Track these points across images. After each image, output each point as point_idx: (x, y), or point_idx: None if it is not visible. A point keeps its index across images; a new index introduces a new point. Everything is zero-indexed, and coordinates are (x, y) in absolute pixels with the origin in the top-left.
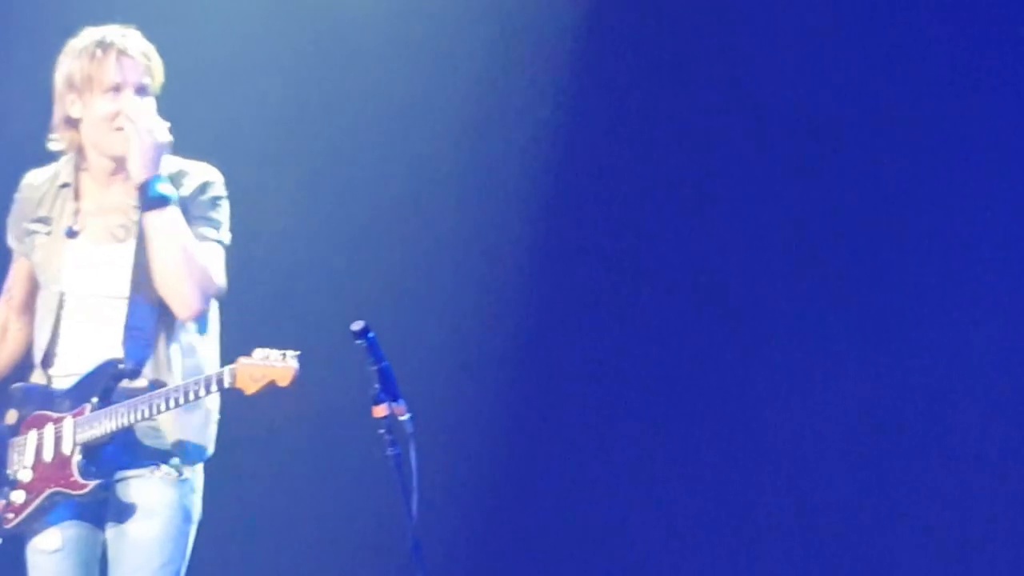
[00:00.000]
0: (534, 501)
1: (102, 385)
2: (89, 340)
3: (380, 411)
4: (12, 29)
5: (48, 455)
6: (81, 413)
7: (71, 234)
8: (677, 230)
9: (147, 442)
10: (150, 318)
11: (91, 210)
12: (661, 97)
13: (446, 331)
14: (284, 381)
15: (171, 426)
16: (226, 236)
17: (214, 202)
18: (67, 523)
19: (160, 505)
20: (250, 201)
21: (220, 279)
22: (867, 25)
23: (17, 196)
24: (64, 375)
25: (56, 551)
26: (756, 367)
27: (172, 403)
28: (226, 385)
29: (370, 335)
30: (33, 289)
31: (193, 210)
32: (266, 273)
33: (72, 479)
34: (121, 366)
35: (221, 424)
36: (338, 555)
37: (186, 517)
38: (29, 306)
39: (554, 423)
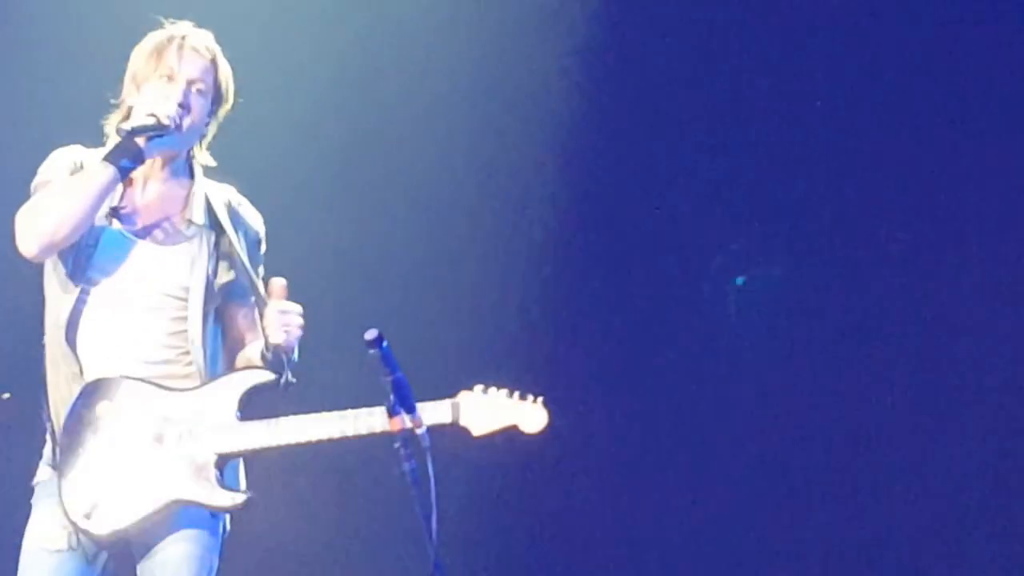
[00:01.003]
0: (557, 514)
1: (243, 392)
2: (118, 335)
3: (395, 424)
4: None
5: (172, 459)
6: (222, 420)
7: (115, 216)
8: (698, 229)
9: None
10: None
11: (133, 200)
12: (680, 97)
13: (462, 341)
14: (533, 428)
15: None
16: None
17: (261, 259)
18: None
19: (184, 519)
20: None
21: None
22: (896, 25)
23: (58, 153)
24: (95, 370)
25: (59, 552)
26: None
27: (365, 429)
28: (446, 421)
29: (384, 344)
30: None
31: (250, 266)
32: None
33: (210, 489)
34: (270, 376)
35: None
36: (356, 569)
37: (213, 532)
38: None
39: (577, 432)
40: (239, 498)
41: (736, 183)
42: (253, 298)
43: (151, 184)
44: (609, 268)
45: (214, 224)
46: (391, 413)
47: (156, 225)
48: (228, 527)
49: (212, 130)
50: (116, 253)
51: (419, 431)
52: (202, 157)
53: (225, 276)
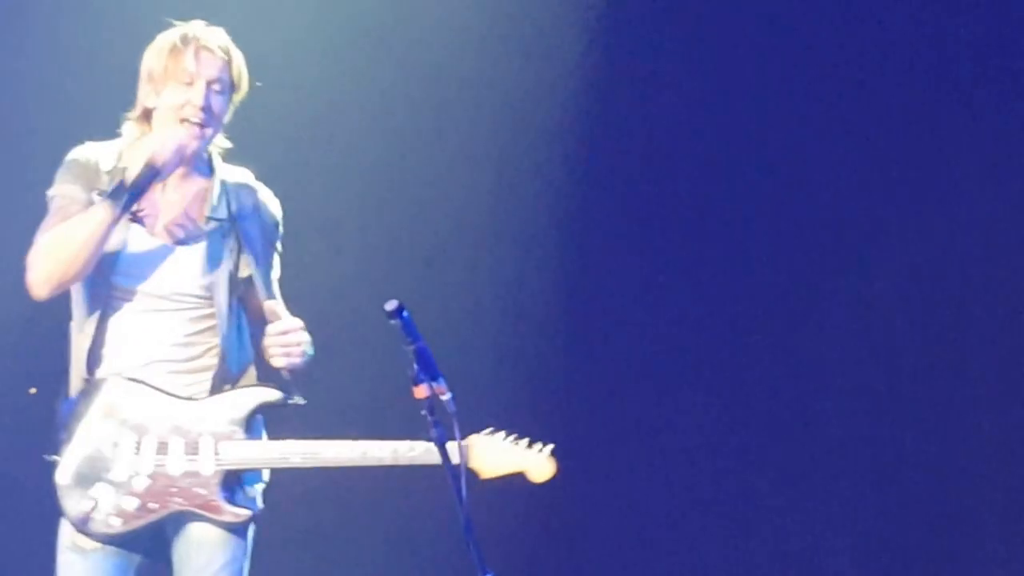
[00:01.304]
0: (582, 481)
1: (251, 409)
2: (137, 337)
3: (420, 392)
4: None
5: (176, 469)
6: (228, 436)
7: (132, 218)
8: (710, 223)
9: None
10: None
11: (150, 199)
12: (689, 93)
13: (482, 316)
14: (540, 477)
15: None
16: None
17: (279, 239)
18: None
19: (215, 514)
20: (286, 196)
21: None
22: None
23: (74, 159)
24: (110, 374)
25: (95, 550)
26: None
27: (372, 460)
28: (454, 461)
29: (404, 314)
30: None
31: (265, 252)
32: (300, 267)
33: (214, 503)
34: (278, 395)
35: (270, 425)
36: (389, 538)
37: (251, 528)
38: None
39: (600, 404)
40: (242, 514)
41: (761, 180)
42: (274, 288)
43: (171, 183)
44: (628, 252)
45: (233, 217)
46: (415, 381)
47: (176, 223)
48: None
49: (227, 116)
50: (137, 255)
51: (444, 398)
52: (218, 140)
53: (248, 269)
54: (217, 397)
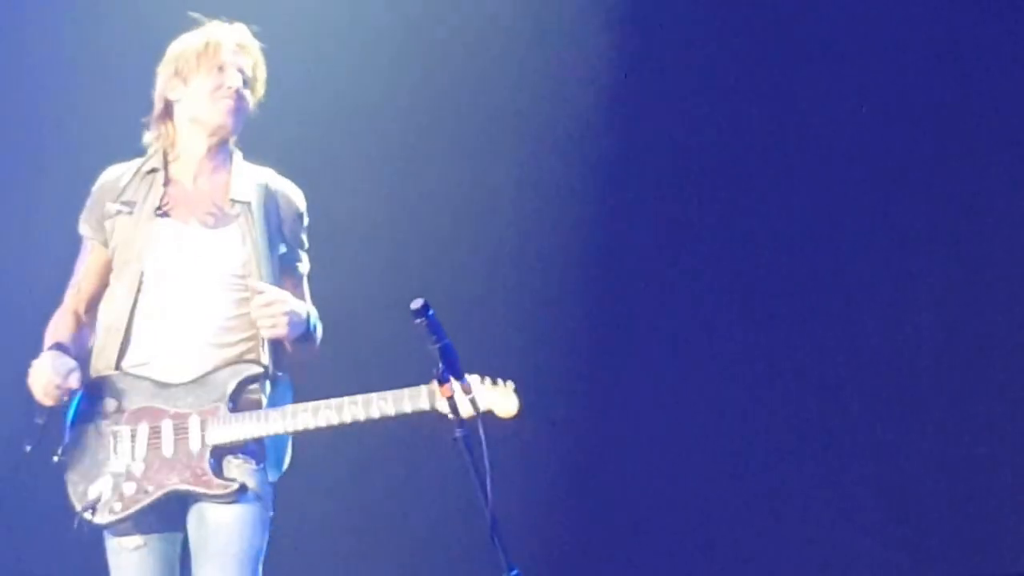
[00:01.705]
0: (609, 477)
1: (235, 384)
2: (168, 325)
3: (445, 391)
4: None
5: (168, 450)
6: (212, 412)
7: (161, 213)
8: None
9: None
10: None
11: (179, 196)
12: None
13: (510, 312)
14: (507, 413)
15: None
16: (307, 259)
17: (304, 231)
18: (144, 520)
19: (228, 501)
20: (316, 193)
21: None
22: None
23: (96, 187)
24: (141, 363)
25: (138, 548)
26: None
27: (348, 417)
28: (425, 407)
29: (430, 313)
30: (102, 285)
31: (290, 238)
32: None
33: (205, 478)
34: (262, 369)
35: None
36: (416, 540)
37: (264, 505)
38: (95, 303)
39: (629, 397)
40: (231, 486)
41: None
42: (301, 269)
43: (202, 174)
44: (654, 250)
45: (260, 200)
46: (441, 381)
47: (207, 212)
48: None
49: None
50: (167, 246)
51: (469, 397)
52: (238, 155)
53: (280, 248)
54: (204, 377)
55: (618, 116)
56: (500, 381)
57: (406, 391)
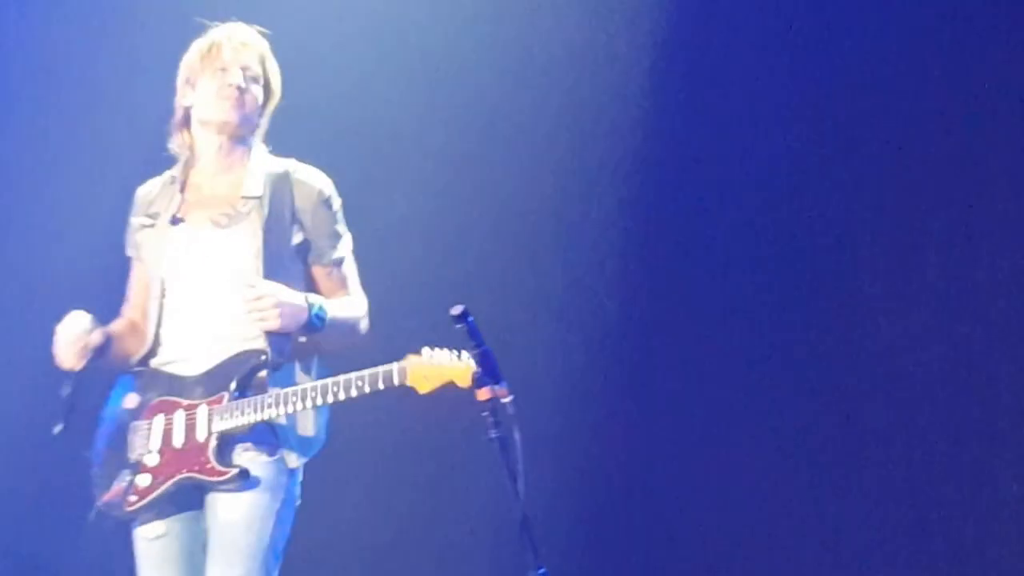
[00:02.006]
0: (640, 481)
1: (240, 374)
2: (186, 324)
3: (483, 394)
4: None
5: (179, 441)
6: (218, 401)
7: (174, 222)
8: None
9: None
10: None
11: (195, 200)
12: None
13: (547, 315)
14: (464, 382)
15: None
16: (348, 243)
17: (336, 216)
18: (166, 510)
19: (240, 492)
20: (358, 196)
21: (361, 296)
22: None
23: (133, 207)
24: (167, 362)
25: (159, 537)
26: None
27: (331, 398)
28: (396, 383)
29: (469, 319)
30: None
31: (311, 225)
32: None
33: (209, 466)
34: (264, 357)
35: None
36: (446, 536)
37: (276, 497)
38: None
39: (658, 401)
40: (230, 472)
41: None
42: (333, 255)
43: (211, 178)
44: (693, 251)
45: (272, 192)
46: (478, 384)
47: (220, 212)
48: (299, 497)
49: (265, 124)
50: (179, 251)
51: (505, 400)
52: (259, 150)
53: (297, 238)
54: (214, 369)
55: (657, 122)
56: (463, 352)
57: (380, 369)
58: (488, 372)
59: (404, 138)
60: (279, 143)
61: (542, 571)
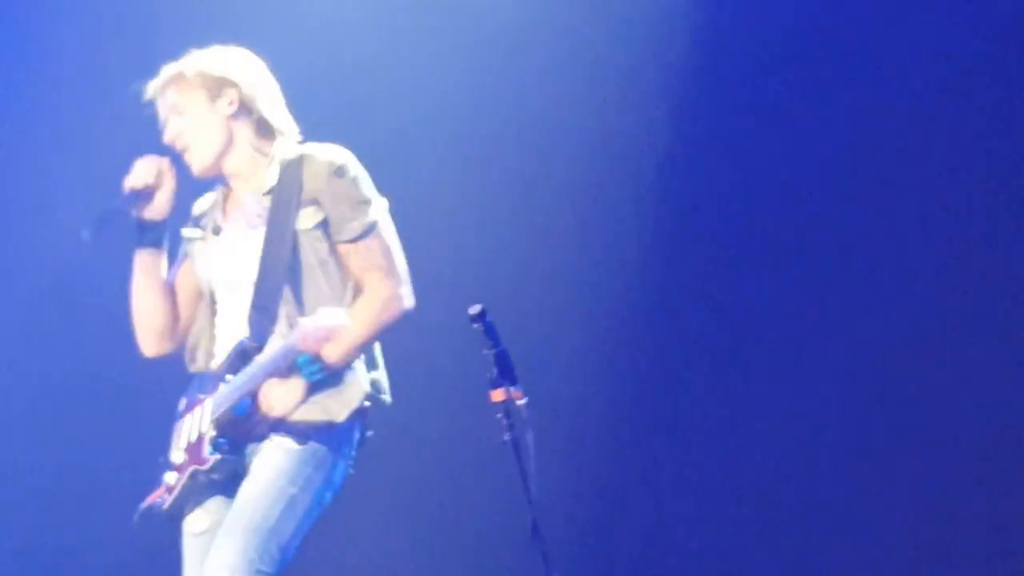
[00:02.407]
0: (656, 488)
1: (235, 364)
2: (226, 323)
3: (498, 395)
4: None
5: (193, 436)
6: (215, 391)
7: (216, 231)
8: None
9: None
10: (276, 299)
11: (233, 207)
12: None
13: (564, 318)
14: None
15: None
16: (377, 209)
17: (355, 184)
18: (213, 505)
19: (262, 468)
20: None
21: (392, 269)
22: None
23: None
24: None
25: (202, 533)
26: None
27: (264, 373)
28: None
29: (487, 319)
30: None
31: (326, 198)
32: None
33: (203, 456)
34: (255, 344)
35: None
36: (458, 537)
37: (293, 482)
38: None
39: (673, 405)
40: (210, 460)
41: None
42: (355, 229)
43: (243, 183)
44: (712, 253)
45: (280, 180)
46: (493, 385)
47: (252, 215)
48: (331, 489)
49: (266, 109)
50: (215, 259)
51: (520, 402)
52: (284, 143)
53: (312, 219)
54: (223, 362)
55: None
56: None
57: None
58: (504, 373)
59: (414, 137)
60: None
61: None
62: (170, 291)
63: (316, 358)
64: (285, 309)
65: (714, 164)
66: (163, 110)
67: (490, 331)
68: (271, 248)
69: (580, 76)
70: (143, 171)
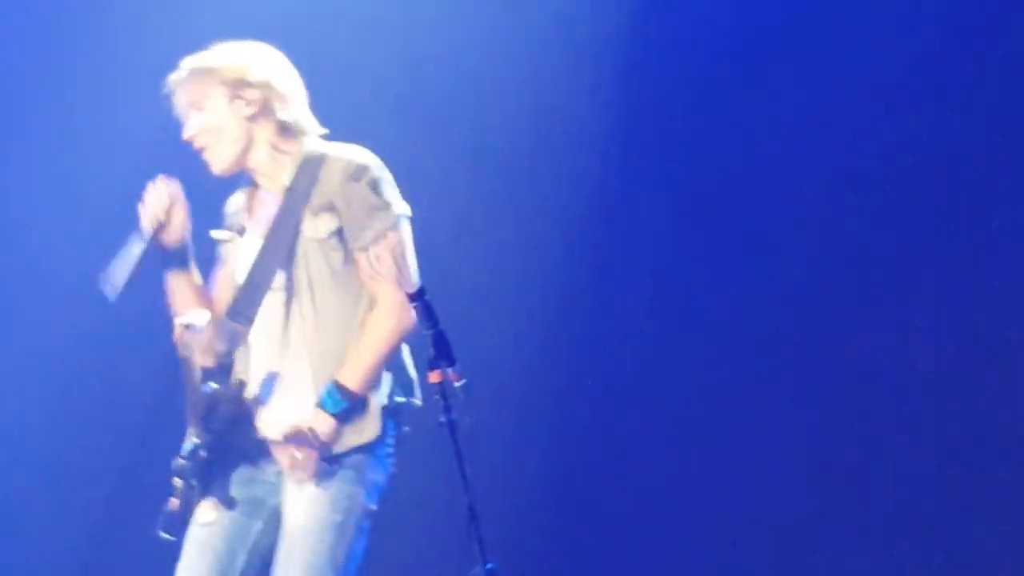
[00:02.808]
0: (590, 468)
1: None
2: (267, 323)
3: (434, 376)
4: None
5: None
6: None
7: (241, 232)
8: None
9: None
10: (255, 305)
11: (256, 208)
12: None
13: (505, 305)
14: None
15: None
16: (392, 215)
17: (375, 188)
18: (226, 500)
19: (301, 500)
20: None
21: (404, 279)
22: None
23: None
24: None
25: (207, 524)
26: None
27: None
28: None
29: (425, 298)
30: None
31: (342, 202)
32: None
33: None
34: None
35: None
36: (394, 522)
37: (334, 507)
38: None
39: (618, 392)
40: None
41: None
42: (368, 237)
43: (267, 182)
44: (645, 256)
45: (293, 181)
46: (430, 366)
47: (266, 215)
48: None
49: (286, 109)
50: (238, 261)
51: (457, 384)
52: (307, 142)
53: (326, 227)
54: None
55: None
56: None
57: None
58: (440, 354)
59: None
60: None
61: (489, 566)
62: (211, 299)
63: (336, 387)
64: (297, 323)
65: (661, 155)
66: (181, 103)
67: (427, 311)
68: (266, 254)
69: (542, 71)
70: (155, 205)
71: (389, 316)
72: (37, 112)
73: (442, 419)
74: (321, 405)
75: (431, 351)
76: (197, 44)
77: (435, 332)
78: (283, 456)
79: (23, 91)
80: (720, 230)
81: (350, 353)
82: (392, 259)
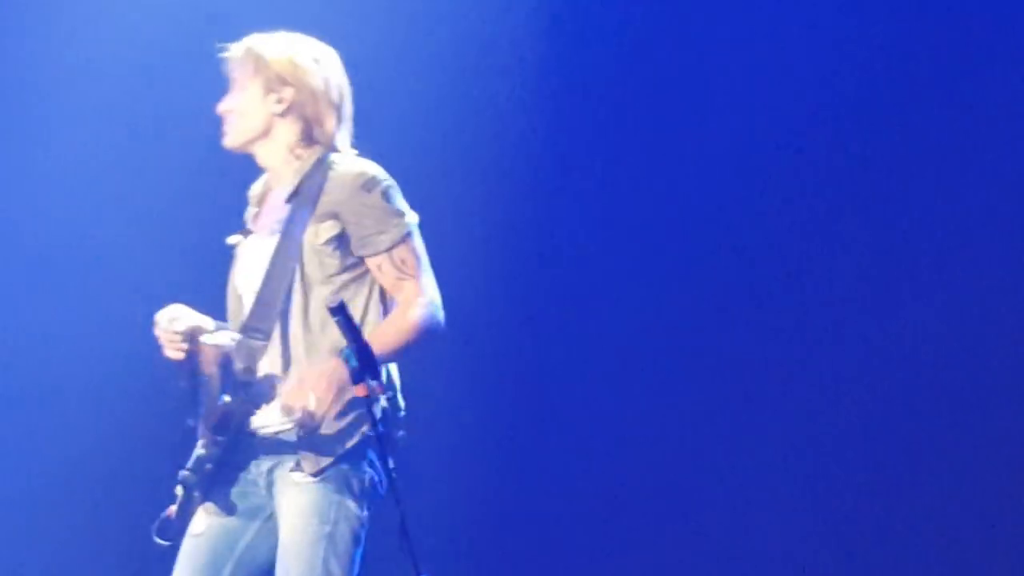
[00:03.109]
0: (531, 484)
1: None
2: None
3: (360, 390)
4: None
5: None
6: None
7: (246, 234)
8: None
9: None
10: (271, 320)
11: (263, 209)
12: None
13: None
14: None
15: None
16: (408, 221)
17: (385, 197)
18: (217, 510)
19: (291, 512)
20: None
21: (420, 291)
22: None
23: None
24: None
25: (198, 535)
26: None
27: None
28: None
29: (346, 312)
30: None
31: (347, 211)
32: None
33: None
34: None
35: None
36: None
37: (323, 519)
38: None
39: (555, 401)
40: None
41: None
42: (382, 244)
43: (276, 185)
44: (597, 259)
45: (300, 187)
46: (354, 380)
47: (275, 219)
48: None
49: (317, 118)
50: (238, 263)
51: (383, 396)
52: (323, 153)
53: (326, 233)
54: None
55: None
56: None
57: None
58: (366, 368)
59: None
60: None
61: None
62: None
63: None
64: (293, 328)
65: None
66: (231, 74)
67: (349, 325)
68: (277, 264)
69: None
70: (172, 349)
71: (413, 308)
72: (37, 110)
73: (369, 432)
74: (344, 357)
75: (354, 364)
76: (187, 39)
77: (358, 346)
78: (298, 400)
79: (23, 88)
80: (714, 231)
81: (373, 332)
82: (414, 261)
